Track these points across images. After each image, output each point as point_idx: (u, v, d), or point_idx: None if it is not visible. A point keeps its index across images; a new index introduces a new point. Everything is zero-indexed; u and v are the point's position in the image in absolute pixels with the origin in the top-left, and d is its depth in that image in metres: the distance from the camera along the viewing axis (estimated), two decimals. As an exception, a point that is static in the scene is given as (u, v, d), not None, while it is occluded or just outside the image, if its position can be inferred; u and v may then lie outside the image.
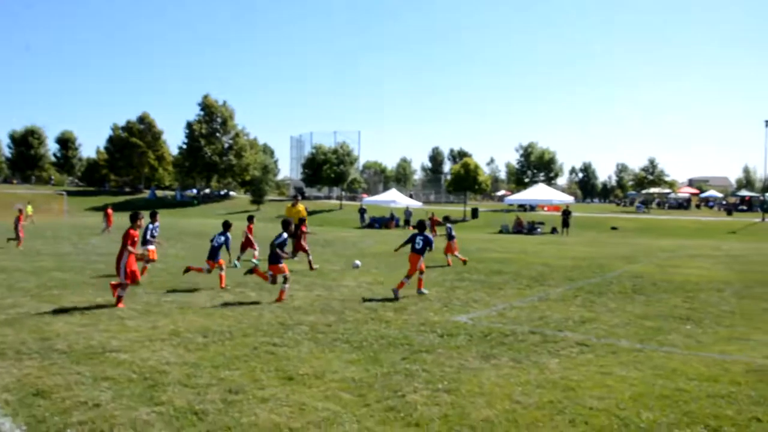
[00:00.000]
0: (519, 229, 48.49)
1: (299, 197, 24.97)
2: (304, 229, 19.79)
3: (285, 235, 13.16)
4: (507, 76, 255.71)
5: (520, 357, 8.25)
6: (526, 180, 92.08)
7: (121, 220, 38.70)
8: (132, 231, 12.17)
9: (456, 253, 20.32)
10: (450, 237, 20.60)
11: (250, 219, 21.33)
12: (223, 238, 14.92)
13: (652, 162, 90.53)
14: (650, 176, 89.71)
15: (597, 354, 8.46)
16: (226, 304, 12.03)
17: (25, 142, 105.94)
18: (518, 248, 28.24)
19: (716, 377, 7.36)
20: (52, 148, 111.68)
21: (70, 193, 76.91)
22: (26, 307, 11.45)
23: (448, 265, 19.72)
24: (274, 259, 12.81)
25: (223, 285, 14.12)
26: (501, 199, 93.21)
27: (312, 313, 11.24)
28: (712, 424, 5.80)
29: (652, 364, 7.93)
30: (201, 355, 8.13)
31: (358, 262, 18.64)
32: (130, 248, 11.93)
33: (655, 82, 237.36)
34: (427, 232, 14.29)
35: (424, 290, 13.77)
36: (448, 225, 21.14)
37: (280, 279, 12.97)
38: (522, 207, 63.79)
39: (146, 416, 5.82)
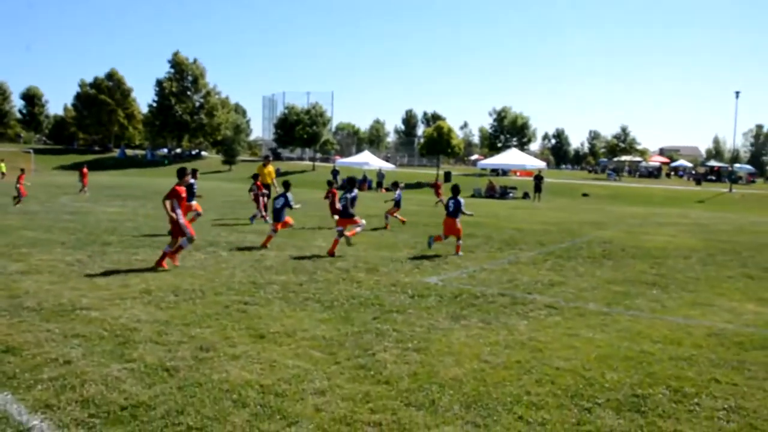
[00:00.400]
0: (491, 193, 48.81)
1: (270, 158, 24.99)
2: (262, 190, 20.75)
3: (356, 191, 14.66)
4: (482, 39, 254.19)
5: (489, 318, 8.40)
6: (499, 145, 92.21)
7: (97, 179, 38.19)
8: (179, 187, 11.90)
9: (396, 214, 20.79)
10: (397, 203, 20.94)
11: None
12: (282, 200, 14.95)
13: (624, 130, 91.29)
14: (622, 144, 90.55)
15: (565, 317, 8.64)
16: (198, 263, 11.99)
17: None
18: (490, 212, 28.48)
19: (679, 340, 7.59)
20: (17, 104, 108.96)
21: (37, 151, 75.34)
22: (-7, 265, 11.30)
23: (386, 228, 19.78)
24: (345, 213, 14.16)
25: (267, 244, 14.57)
26: (474, 163, 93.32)
27: (284, 272, 11.27)
28: (673, 384, 5.99)
29: (618, 327, 8.13)
30: (172, 313, 8.13)
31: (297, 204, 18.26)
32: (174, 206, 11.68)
33: (629, 50, 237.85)
34: (460, 197, 14.86)
35: (460, 253, 14.32)
36: (399, 191, 21.34)
37: (358, 229, 14.42)
38: (494, 171, 64.04)
39: (117, 373, 5.84)
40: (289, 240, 15.90)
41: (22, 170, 27.92)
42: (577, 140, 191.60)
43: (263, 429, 4.76)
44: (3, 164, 52.05)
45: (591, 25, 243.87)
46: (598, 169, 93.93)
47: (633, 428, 5.00)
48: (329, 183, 22.04)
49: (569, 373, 6.22)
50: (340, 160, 68.09)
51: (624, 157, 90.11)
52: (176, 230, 11.70)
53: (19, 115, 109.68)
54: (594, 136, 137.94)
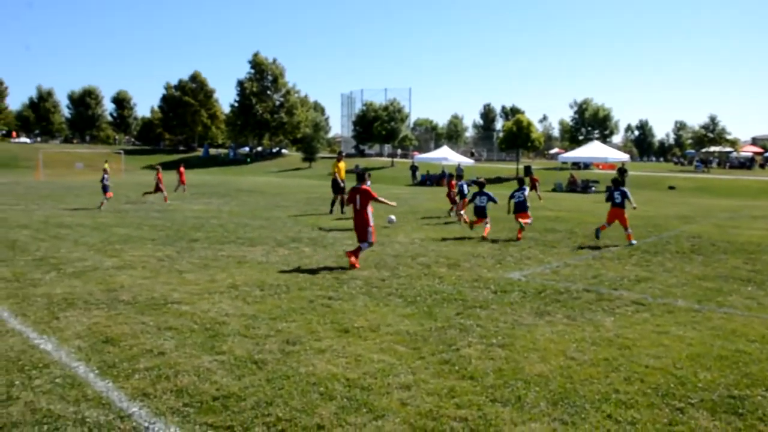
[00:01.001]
0: (573, 187, 47.74)
1: (343, 154, 25.73)
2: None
3: (527, 190, 16.58)
4: (561, 30, 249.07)
5: (574, 314, 8.23)
6: (580, 137, 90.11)
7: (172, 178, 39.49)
8: (369, 188, 12.07)
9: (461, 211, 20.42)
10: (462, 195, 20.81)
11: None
12: (485, 197, 16.41)
13: (713, 119, 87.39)
14: (710, 134, 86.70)
15: (653, 313, 8.37)
16: (281, 259, 12.24)
17: (83, 102, 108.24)
18: (572, 206, 27.90)
19: (778, 339, 7.22)
20: (108, 107, 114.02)
21: (126, 152, 78.50)
22: (91, 261, 11.87)
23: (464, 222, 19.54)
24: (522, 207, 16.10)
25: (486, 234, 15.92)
26: (554, 156, 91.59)
27: (366, 268, 11.37)
28: (773, 386, 5.71)
29: (711, 325, 7.81)
30: (259, 307, 8.34)
31: (392, 217, 18.57)
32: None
33: (717, 34, 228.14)
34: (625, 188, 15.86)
35: (633, 241, 15.08)
36: (461, 183, 21.37)
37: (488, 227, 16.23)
38: (576, 165, 62.59)
39: (208, 364, 6.04)
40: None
41: (157, 169, 29.31)
42: (662, 131, 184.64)
43: (350, 422, 4.81)
44: (107, 164, 54.52)
45: (674, 9, 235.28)
46: (685, 161, 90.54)
47: (730, 431, 4.80)
48: (450, 176, 23.17)
49: (659, 371, 6.02)
50: (419, 156, 68.05)
51: (713, 148, 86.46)
52: (363, 233, 11.79)
53: (110, 118, 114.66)
54: (680, 127, 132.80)
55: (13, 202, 27.03)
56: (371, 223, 11.74)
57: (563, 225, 19.12)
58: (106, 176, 25.00)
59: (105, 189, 24.67)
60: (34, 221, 18.91)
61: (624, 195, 15.41)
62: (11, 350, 6.45)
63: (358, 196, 11.84)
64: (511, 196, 16.55)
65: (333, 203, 22.87)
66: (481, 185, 16.92)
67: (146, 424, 4.75)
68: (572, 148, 74.07)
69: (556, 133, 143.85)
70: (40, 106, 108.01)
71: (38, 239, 14.82)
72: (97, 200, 25.25)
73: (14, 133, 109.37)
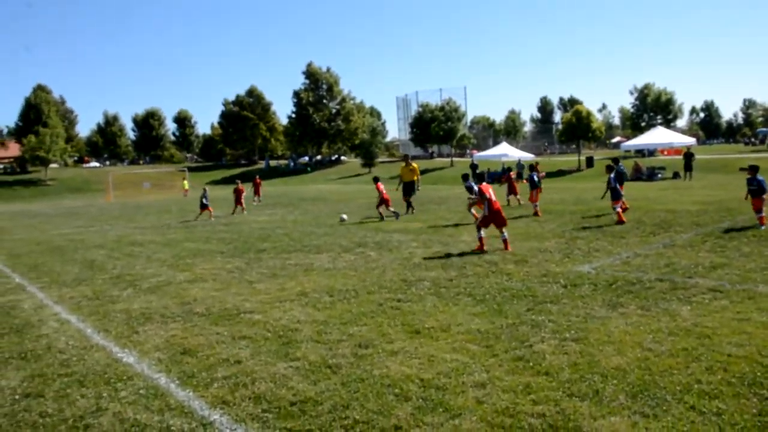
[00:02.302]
0: (638, 175, 46.49)
1: (409, 156, 26.41)
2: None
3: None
4: (615, 15, 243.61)
5: (648, 305, 8.02)
6: (643, 124, 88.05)
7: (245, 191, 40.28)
8: (486, 185, 13.77)
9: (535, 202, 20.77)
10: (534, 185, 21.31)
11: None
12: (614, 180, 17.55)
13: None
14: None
15: (732, 300, 8.08)
16: (348, 264, 12.35)
17: (147, 124, 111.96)
18: (638, 195, 27.19)
19: None
20: (170, 127, 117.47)
21: (190, 169, 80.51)
22: (164, 276, 12.24)
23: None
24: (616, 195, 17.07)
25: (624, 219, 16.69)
26: (616, 145, 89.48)
27: (433, 269, 11.36)
28: None
29: (796, 310, 7.49)
30: (329, 313, 8.43)
31: (344, 216, 18.20)
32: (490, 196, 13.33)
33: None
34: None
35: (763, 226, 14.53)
36: (532, 174, 21.82)
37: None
38: (640, 152, 61.06)
39: (284, 371, 6.14)
40: (434, 236, 16.02)
41: (238, 182, 30.47)
42: (729, 111, 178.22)
43: (427, 422, 4.82)
44: (185, 182, 56.22)
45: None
46: (756, 141, 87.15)
47: (824, 417, 4.60)
48: (509, 170, 23.70)
49: (743, 360, 5.80)
50: (478, 154, 67.60)
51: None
52: (503, 220, 13.31)
53: (173, 138, 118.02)
54: (749, 105, 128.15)
55: (88, 224, 28.11)
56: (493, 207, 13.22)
57: (630, 214, 18.64)
58: (205, 193, 26.79)
59: (204, 206, 26.43)
60: (109, 241, 19.60)
61: (762, 184, 14.97)
62: (97, 364, 6.73)
63: (490, 190, 13.44)
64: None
65: (408, 205, 23.25)
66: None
67: (228, 431, 4.87)
68: (635, 136, 72.38)
69: (616, 121, 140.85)
70: (107, 130, 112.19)
71: (114, 258, 15.37)
72: (164, 218, 25.98)
73: (86, 159, 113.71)
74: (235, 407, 5.31)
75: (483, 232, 13.29)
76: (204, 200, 26.70)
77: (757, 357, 5.84)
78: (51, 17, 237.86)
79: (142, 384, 6.00)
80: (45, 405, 5.61)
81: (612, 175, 17.62)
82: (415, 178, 23.29)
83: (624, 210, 17.64)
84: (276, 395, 5.51)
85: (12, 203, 63.79)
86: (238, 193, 28.51)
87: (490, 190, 13.39)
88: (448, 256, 12.78)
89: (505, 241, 13.10)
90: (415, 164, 23.82)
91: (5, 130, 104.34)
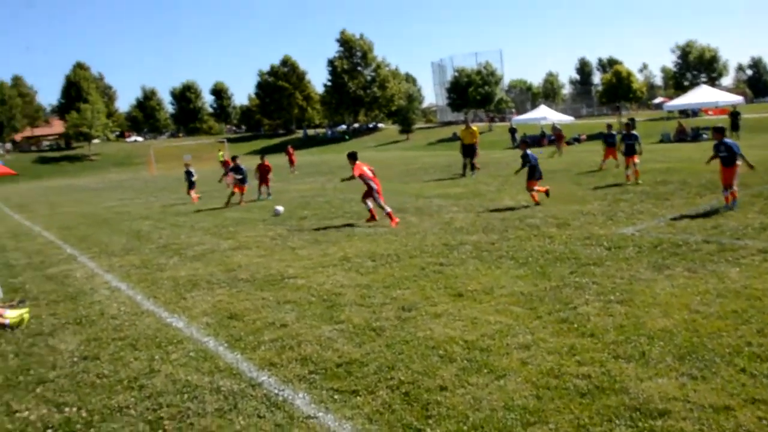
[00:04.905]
0: (682, 136, 45.42)
1: (469, 119, 27.60)
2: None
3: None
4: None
5: (695, 267, 7.86)
6: (686, 83, 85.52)
7: (284, 159, 40.51)
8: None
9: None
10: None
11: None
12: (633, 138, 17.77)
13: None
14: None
15: (784, 261, 7.87)
16: (389, 230, 12.38)
17: (184, 97, 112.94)
18: (683, 156, 26.63)
19: None
20: (208, 99, 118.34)
21: (229, 140, 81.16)
22: (209, 244, 12.45)
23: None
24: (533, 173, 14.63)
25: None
26: (658, 106, 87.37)
27: (474, 233, 11.32)
28: None
29: None
30: (372, 277, 8.49)
31: (279, 208, 16.47)
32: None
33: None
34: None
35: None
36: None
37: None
38: (683, 113, 59.53)
39: (329, 333, 6.23)
40: (474, 201, 15.94)
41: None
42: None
43: (472, 383, 4.84)
44: (220, 153, 56.82)
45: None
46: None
47: None
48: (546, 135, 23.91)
49: (796, 321, 5.68)
50: (517, 118, 66.68)
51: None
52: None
53: (210, 110, 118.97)
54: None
55: (134, 196, 28.72)
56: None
57: (675, 176, 18.28)
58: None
59: (191, 185, 23.57)
60: (154, 212, 20.01)
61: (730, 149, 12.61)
62: (149, 328, 6.93)
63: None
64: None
65: (464, 166, 24.36)
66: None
67: (276, 391, 4.97)
68: (677, 96, 70.44)
69: (658, 81, 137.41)
70: (146, 105, 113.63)
71: (159, 228, 15.69)
72: (204, 189, 26.24)
73: (127, 133, 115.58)
74: (283, 369, 5.41)
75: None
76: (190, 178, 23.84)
77: (810, 318, 5.71)
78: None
79: (192, 347, 6.15)
80: (101, 367, 5.82)
81: (528, 151, 15.17)
82: (475, 140, 24.33)
83: (546, 193, 14.84)
84: (322, 357, 5.60)
85: (60, 178, 65.43)
86: (263, 171, 22.06)
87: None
88: (490, 219, 12.71)
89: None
90: (475, 127, 25.01)
91: (49, 108, 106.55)
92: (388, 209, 13.09)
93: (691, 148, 34.44)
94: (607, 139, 22.79)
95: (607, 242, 9.64)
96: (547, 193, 14.82)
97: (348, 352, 5.68)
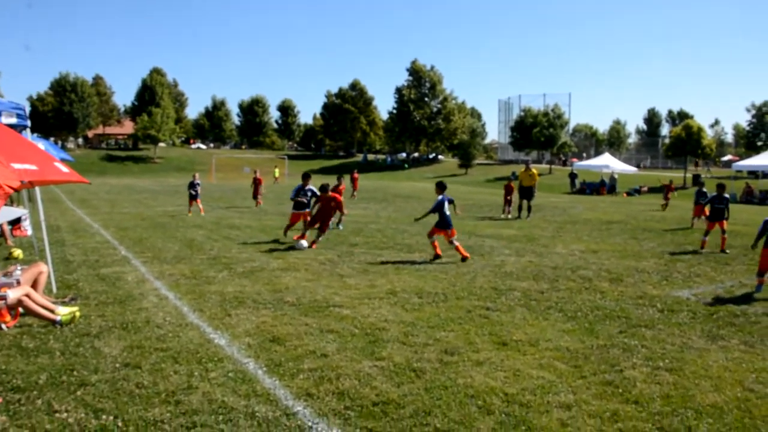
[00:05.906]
0: (749, 198, 44.20)
1: (530, 162, 28.30)
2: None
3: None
4: (733, 25, 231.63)
5: (752, 341, 7.55)
6: (759, 143, 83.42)
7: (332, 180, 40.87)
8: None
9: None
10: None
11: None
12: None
13: None
14: None
15: None
16: (439, 267, 12.30)
17: (252, 110, 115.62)
18: (747, 219, 25.79)
19: None
20: (274, 115, 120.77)
21: (290, 157, 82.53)
22: (258, 262, 12.57)
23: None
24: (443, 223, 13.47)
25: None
26: (727, 164, 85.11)
27: (524, 279, 11.16)
28: None
29: None
30: (417, 315, 8.42)
31: (303, 243, 14.84)
32: None
33: None
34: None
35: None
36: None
37: None
38: (753, 174, 57.87)
39: (369, 369, 6.17)
40: (527, 245, 15.74)
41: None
42: None
43: (509, 438, 4.73)
44: (277, 170, 57.92)
45: None
46: None
47: None
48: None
49: None
50: (579, 163, 65.88)
51: None
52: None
53: (275, 125, 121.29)
54: None
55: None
56: None
57: (738, 240, 17.72)
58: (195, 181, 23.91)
59: (192, 197, 23.81)
60: (208, 222, 20.35)
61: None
62: (191, 342, 6.98)
63: None
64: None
65: (519, 208, 24.49)
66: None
67: (310, 424, 4.93)
68: (748, 156, 68.59)
69: (729, 138, 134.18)
70: (214, 114, 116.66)
71: (212, 239, 15.93)
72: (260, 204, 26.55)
73: (191, 140, 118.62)
74: (319, 401, 5.38)
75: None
76: (193, 191, 24.00)
77: None
78: (171, 5, 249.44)
79: (232, 367, 6.17)
80: (141, 376, 5.88)
81: (442, 197, 13.49)
82: (534, 183, 24.32)
83: (458, 249, 13.36)
84: (359, 393, 5.55)
85: (123, 177, 67.42)
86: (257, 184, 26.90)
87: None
88: (541, 267, 12.52)
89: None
90: (534, 170, 24.89)
91: (122, 109, 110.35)
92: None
93: (758, 211, 33.44)
94: (699, 198, 21.89)
95: (661, 304, 9.37)
96: (463, 258, 13.14)
97: (386, 391, 5.61)
